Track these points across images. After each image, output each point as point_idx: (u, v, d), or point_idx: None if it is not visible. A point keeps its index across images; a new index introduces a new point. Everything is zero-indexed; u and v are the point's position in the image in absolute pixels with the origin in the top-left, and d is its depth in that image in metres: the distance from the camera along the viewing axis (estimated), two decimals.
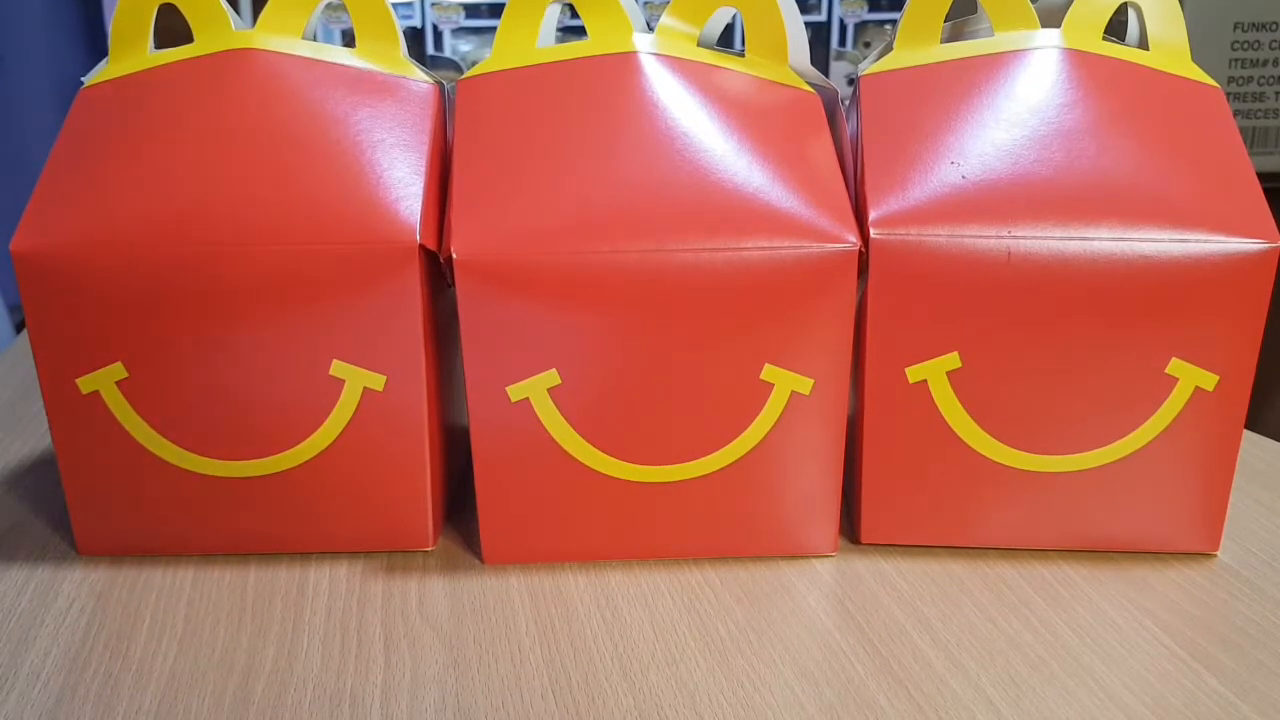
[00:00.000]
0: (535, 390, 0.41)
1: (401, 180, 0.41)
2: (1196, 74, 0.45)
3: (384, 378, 0.42)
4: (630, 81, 0.43)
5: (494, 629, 0.40)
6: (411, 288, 0.41)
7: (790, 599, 0.42)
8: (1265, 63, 1.41)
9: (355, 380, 0.42)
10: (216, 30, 0.44)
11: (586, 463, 0.42)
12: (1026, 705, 0.35)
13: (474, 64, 0.46)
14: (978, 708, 0.35)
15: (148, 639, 0.39)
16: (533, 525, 0.44)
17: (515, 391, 0.41)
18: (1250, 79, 1.42)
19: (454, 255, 0.40)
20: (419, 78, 0.45)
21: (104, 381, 0.42)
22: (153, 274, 0.40)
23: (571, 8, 0.45)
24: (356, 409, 0.42)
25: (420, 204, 0.41)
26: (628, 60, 0.43)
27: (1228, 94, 1.44)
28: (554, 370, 0.41)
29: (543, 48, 0.45)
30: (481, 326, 0.41)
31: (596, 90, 0.43)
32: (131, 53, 0.45)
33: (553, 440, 0.42)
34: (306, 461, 0.43)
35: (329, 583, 0.43)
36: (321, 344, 0.42)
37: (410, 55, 0.45)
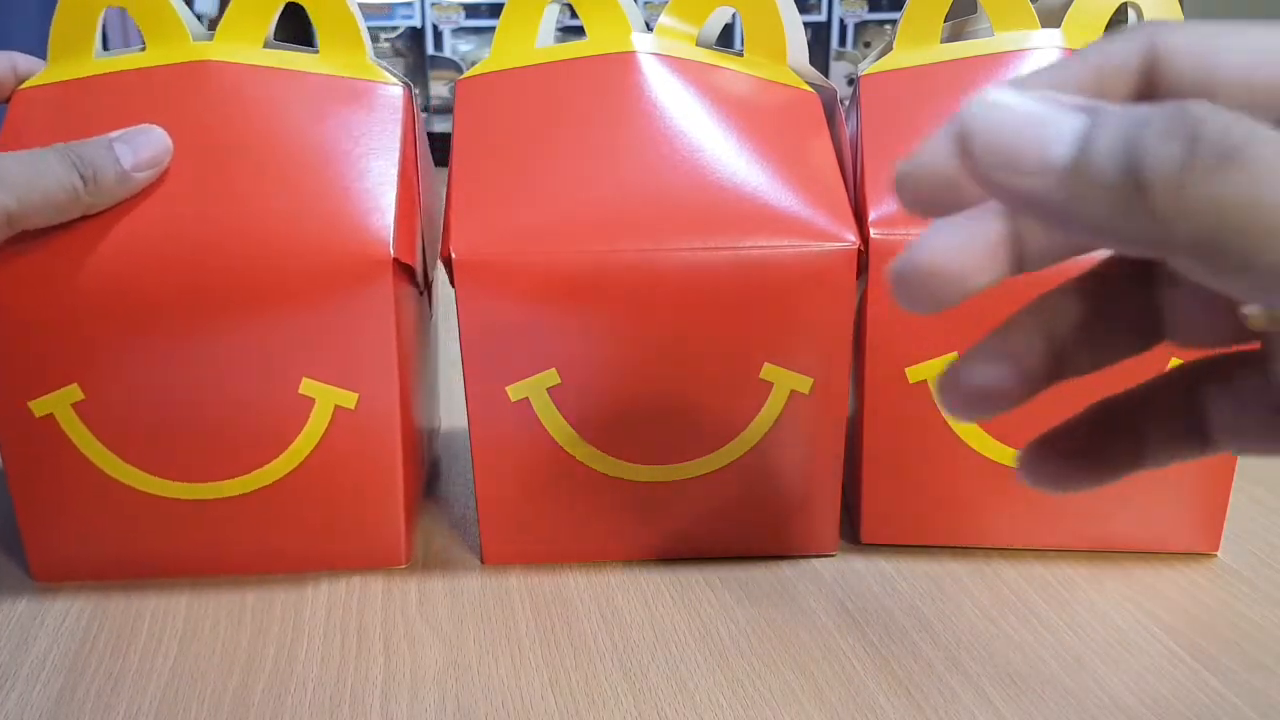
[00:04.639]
0: (535, 390, 0.41)
1: (372, 191, 0.40)
2: None
3: (356, 395, 0.40)
4: (629, 81, 0.43)
5: (494, 629, 0.40)
6: (384, 302, 0.39)
7: (790, 599, 0.42)
8: None
9: (326, 398, 0.40)
10: (171, 39, 0.42)
11: (586, 463, 0.42)
12: (1026, 705, 0.35)
13: (474, 64, 0.46)
14: (978, 708, 0.35)
15: (148, 639, 0.39)
16: (532, 525, 0.44)
17: (515, 391, 0.41)
18: None
19: (453, 255, 0.39)
20: (387, 80, 0.43)
21: (59, 404, 0.40)
22: (108, 292, 0.38)
23: (570, 8, 0.45)
24: (327, 428, 0.41)
25: (392, 215, 0.39)
26: (627, 60, 0.43)
27: None
28: (554, 370, 0.41)
29: (542, 47, 0.45)
30: (481, 326, 0.40)
31: (595, 90, 0.43)
32: (74, 56, 0.42)
33: (552, 440, 0.42)
34: (274, 482, 0.41)
35: (329, 583, 0.43)
36: (290, 361, 0.40)
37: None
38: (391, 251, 0.39)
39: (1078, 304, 0.22)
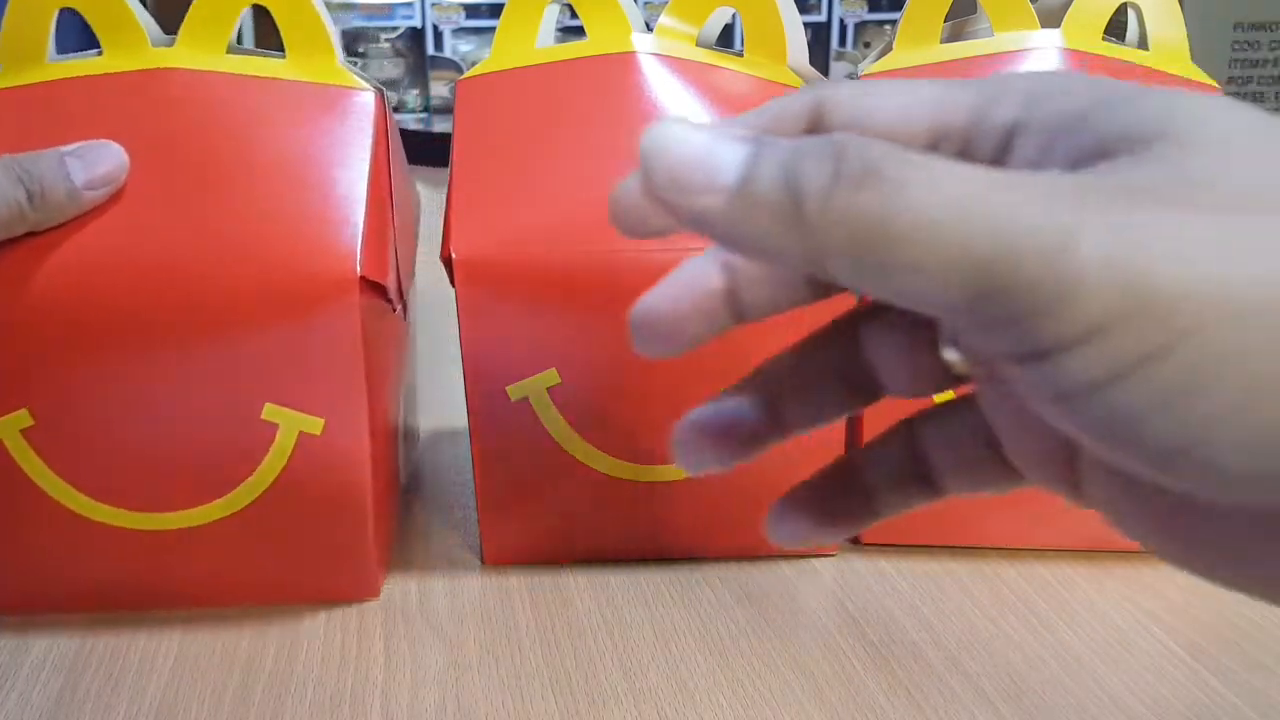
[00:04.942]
0: (535, 390, 0.41)
1: (340, 204, 0.38)
2: (1196, 74, 0.45)
3: (322, 421, 0.38)
4: (629, 81, 0.43)
5: (494, 629, 0.40)
6: (351, 323, 0.37)
7: (790, 599, 0.42)
8: (1265, 63, 1.41)
9: (290, 424, 0.38)
10: (130, 45, 0.39)
11: (586, 462, 0.42)
12: (1026, 705, 0.35)
13: (474, 64, 0.46)
14: (978, 708, 0.35)
15: (148, 639, 0.39)
16: (532, 525, 0.44)
17: (515, 391, 0.41)
18: (1250, 79, 1.42)
19: (453, 255, 0.40)
20: (358, 85, 0.41)
21: (7, 430, 0.38)
22: (57, 312, 0.36)
23: (570, 8, 0.45)
24: (291, 455, 0.38)
25: (361, 229, 0.37)
26: (627, 60, 0.43)
27: (1227, 94, 1.43)
28: (553, 370, 0.41)
29: (542, 48, 0.45)
30: (480, 326, 0.40)
31: (596, 90, 0.43)
32: (26, 61, 0.39)
33: (552, 440, 0.42)
34: (235, 513, 0.39)
35: None
36: (252, 385, 0.38)
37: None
38: (359, 269, 0.37)
39: (795, 363, 0.25)
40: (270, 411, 0.38)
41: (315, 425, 0.38)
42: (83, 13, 0.39)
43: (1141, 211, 0.17)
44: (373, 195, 0.38)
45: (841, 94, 0.22)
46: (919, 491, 0.25)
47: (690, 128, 0.19)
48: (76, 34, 0.42)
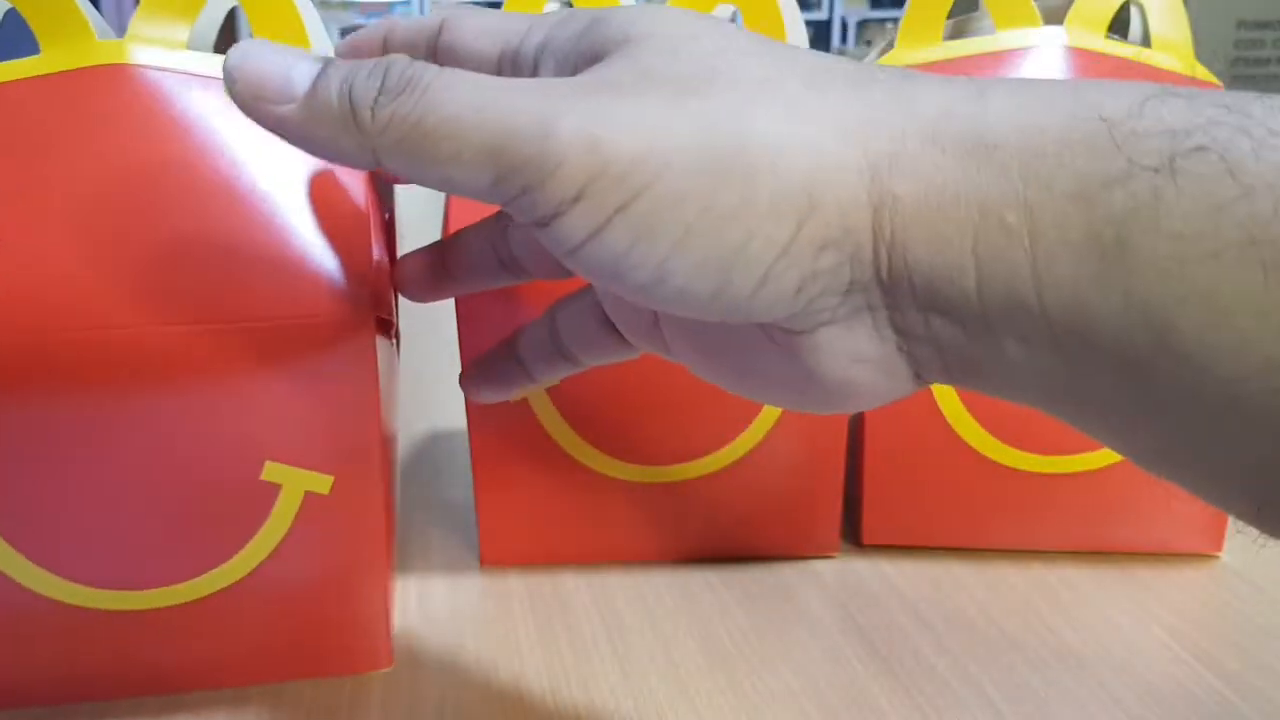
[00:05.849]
0: (534, 390, 0.41)
1: (338, 228, 0.32)
2: (1199, 72, 0.44)
3: (331, 478, 0.34)
4: None
5: (493, 630, 0.40)
6: (366, 367, 0.32)
7: (791, 600, 0.42)
8: (1268, 61, 1.41)
9: (295, 484, 0.33)
10: (73, 38, 0.33)
11: (586, 463, 0.42)
12: (1029, 707, 0.35)
13: None
14: (980, 710, 0.35)
15: None
16: (531, 526, 0.43)
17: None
18: (1253, 77, 1.41)
19: None
20: None
21: None
22: (10, 358, 0.30)
23: (570, 5, 0.45)
24: (295, 518, 0.34)
25: (370, 260, 0.32)
26: None
27: None
28: None
29: None
30: (480, 326, 0.40)
31: None
32: None
33: (552, 440, 0.42)
34: (231, 585, 0.34)
35: None
36: (250, 442, 0.33)
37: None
38: (372, 307, 0.32)
39: (470, 244, 0.32)
40: (272, 471, 0.33)
41: (323, 484, 0.34)
42: (15, 6, 0.34)
43: (606, 98, 0.21)
44: (374, 213, 0.34)
45: (450, 20, 0.26)
46: (562, 364, 0.32)
47: (271, 46, 0.23)
48: (24, 40, 0.35)
